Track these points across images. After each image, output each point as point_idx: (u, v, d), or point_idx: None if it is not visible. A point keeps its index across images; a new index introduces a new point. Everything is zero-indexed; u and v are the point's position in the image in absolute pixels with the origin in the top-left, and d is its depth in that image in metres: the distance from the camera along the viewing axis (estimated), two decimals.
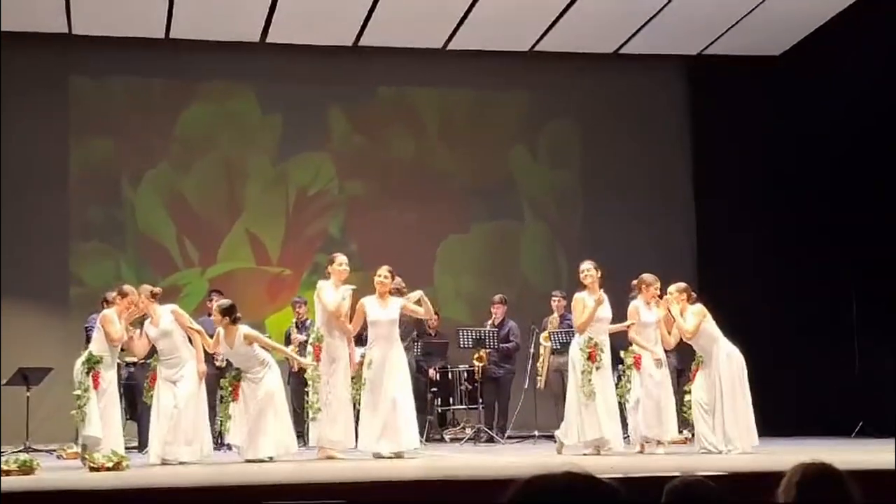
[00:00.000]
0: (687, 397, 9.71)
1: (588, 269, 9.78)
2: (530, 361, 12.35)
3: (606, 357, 9.61)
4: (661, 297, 9.76)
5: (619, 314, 9.85)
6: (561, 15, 13.06)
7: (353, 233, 14.08)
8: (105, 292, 10.80)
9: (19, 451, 9.78)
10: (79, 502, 6.02)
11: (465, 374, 12.79)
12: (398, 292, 9.94)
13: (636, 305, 9.71)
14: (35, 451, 10.30)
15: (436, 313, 11.38)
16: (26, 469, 7.76)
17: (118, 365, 9.82)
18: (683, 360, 10.77)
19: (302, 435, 10.10)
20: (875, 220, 12.29)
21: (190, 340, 9.49)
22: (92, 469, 8.23)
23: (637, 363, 9.58)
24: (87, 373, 9.00)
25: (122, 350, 9.69)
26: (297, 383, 11.27)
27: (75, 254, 13.46)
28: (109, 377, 9.16)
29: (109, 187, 13.64)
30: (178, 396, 9.23)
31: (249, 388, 9.37)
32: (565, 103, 14.61)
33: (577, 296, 9.79)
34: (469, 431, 12.49)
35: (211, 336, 9.51)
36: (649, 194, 14.39)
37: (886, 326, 11.91)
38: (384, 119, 14.36)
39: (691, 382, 9.75)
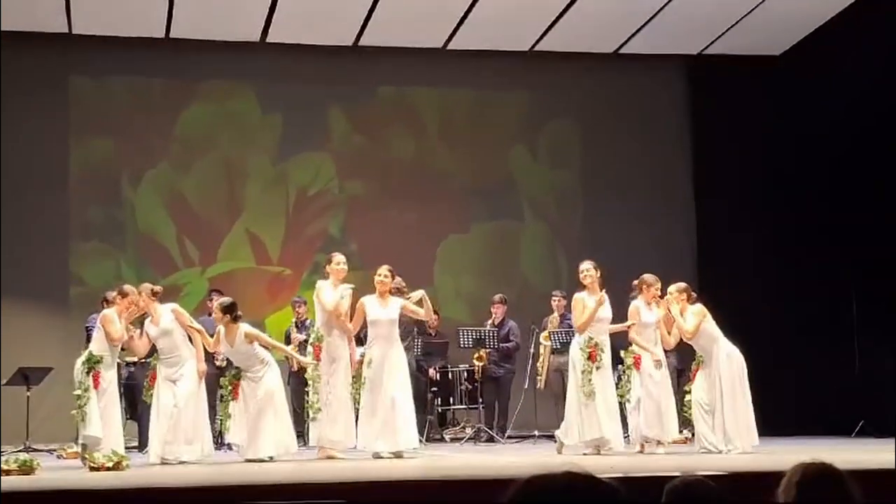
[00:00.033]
0: (687, 397, 9.71)
1: (587, 270, 9.79)
2: (530, 361, 12.35)
3: (607, 357, 9.62)
4: (661, 297, 9.76)
5: (620, 314, 9.85)
6: (561, 15, 13.06)
7: (354, 233, 14.08)
8: (105, 292, 10.81)
9: (19, 451, 9.78)
10: (79, 502, 6.01)
11: (466, 374, 12.80)
12: (398, 292, 9.94)
13: (637, 306, 9.71)
14: (35, 450, 10.30)
15: (436, 313, 11.38)
16: (26, 469, 7.76)
17: (118, 365, 9.83)
18: (683, 360, 10.78)
19: (302, 435, 10.10)
20: (875, 220, 12.29)
21: (190, 340, 9.50)
22: (92, 469, 8.24)
23: (637, 363, 9.58)
24: (88, 372, 9.00)
25: (122, 349, 9.70)
26: (297, 383, 11.27)
27: (75, 254, 13.46)
28: (110, 377, 9.16)
29: (110, 187, 13.64)
30: (177, 395, 9.23)
31: (249, 386, 9.37)
32: (565, 103, 14.61)
33: (577, 296, 9.79)
34: (469, 431, 12.49)
35: (211, 336, 9.51)
36: (649, 194, 14.38)
37: (886, 326, 11.91)
38: (384, 119, 14.36)
39: (691, 382, 9.75)
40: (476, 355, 12.38)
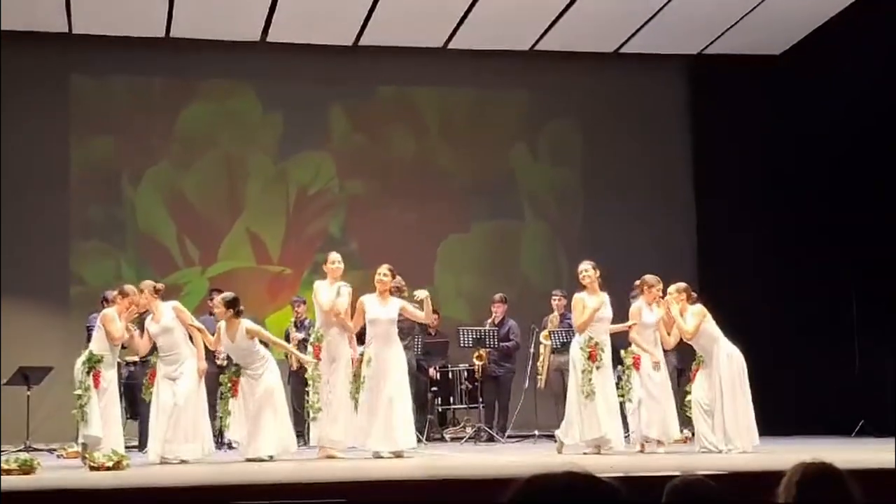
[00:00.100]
0: (687, 397, 9.71)
1: (586, 270, 9.79)
2: (530, 361, 12.35)
3: (607, 356, 9.62)
4: (662, 297, 9.76)
5: (620, 314, 9.85)
6: (561, 14, 13.06)
7: (354, 232, 14.08)
8: (105, 291, 10.83)
9: (20, 451, 9.78)
10: (79, 502, 6.01)
11: (466, 374, 12.80)
12: (398, 291, 9.94)
13: (638, 306, 9.71)
14: (35, 450, 10.31)
15: (436, 312, 11.38)
16: (26, 468, 7.75)
17: (118, 364, 9.83)
18: (683, 360, 10.77)
19: (302, 434, 10.10)
20: (875, 220, 12.29)
21: (191, 338, 9.50)
22: (92, 468, 8.22)
23: (637, 363, 9.58)
24: (88, 372, 9.00)
25: (123, 348, 9.70)
26: (297, 383, 11.27)
27: (76, 253, 13.46)
28: (110, 376, 9.16)
29: (110, 186, 13.65)
30: (177, 394, 9.22)
31: (248, 384, 9.36)
32: (566, 102, 14.61)
33: (577, 296, 9.80)
34: (469, 431, 12.49)
35: (212, 335, 9.51)
36: (650, 194, 14.39)
37: (886, 326, 11.91)
38: (385, 118, 14.36)
39: (691, 382, 9.75)
40: (476, 355, 12.38)
